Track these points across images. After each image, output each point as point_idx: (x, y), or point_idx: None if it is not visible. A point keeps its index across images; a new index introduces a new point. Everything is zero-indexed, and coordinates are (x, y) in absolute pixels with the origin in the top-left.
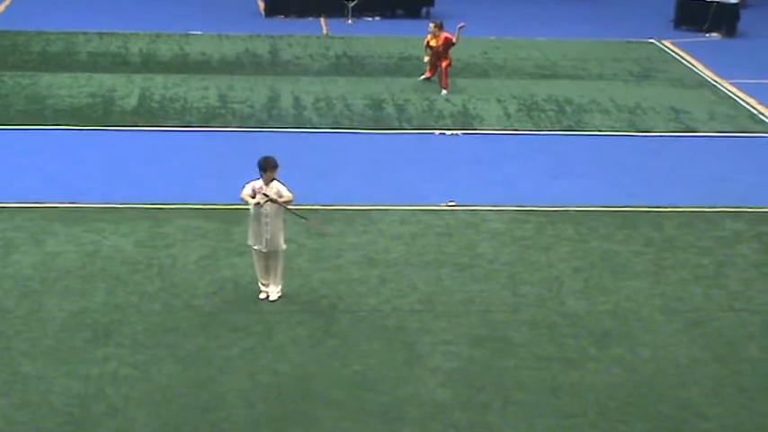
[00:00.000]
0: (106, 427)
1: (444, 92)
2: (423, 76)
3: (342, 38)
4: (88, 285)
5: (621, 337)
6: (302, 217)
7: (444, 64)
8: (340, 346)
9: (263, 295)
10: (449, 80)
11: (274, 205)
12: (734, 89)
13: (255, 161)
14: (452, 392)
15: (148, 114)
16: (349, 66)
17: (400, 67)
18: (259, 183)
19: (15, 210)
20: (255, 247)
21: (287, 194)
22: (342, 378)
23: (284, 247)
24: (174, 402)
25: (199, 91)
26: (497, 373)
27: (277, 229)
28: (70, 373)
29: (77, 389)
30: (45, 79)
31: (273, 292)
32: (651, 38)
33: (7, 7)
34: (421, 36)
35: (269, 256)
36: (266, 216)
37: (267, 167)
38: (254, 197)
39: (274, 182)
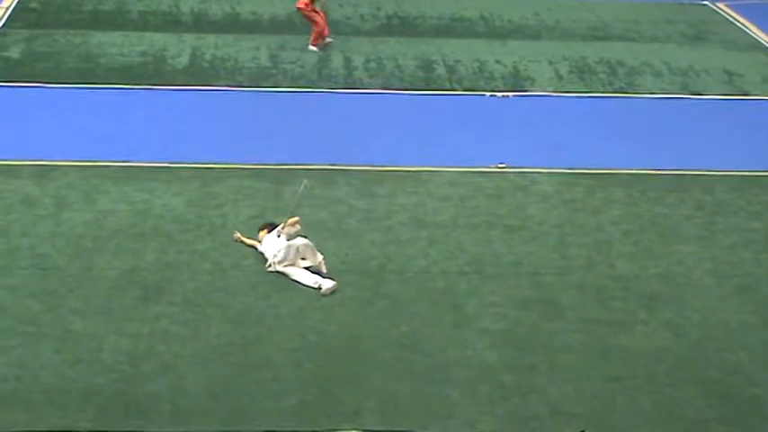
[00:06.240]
0: (156, 385)
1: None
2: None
3: None
4: (139, 244)
5: (671, 300)
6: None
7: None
8: (388, 307)
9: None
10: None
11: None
12: None
13: (306, 122)
14: (500, 354)
15: (199, 74)
16: (400, 26)
17: (452, 27)
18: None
19: (68, 168)
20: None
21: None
22: (390, 339)
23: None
24: (223, 361)
25: (250, 51)
26: (545, 336)
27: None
28: (121, 331)
29: (128, 346)
30: (96, 38)
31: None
32: (704, 0)
33: None
34: None
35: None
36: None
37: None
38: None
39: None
